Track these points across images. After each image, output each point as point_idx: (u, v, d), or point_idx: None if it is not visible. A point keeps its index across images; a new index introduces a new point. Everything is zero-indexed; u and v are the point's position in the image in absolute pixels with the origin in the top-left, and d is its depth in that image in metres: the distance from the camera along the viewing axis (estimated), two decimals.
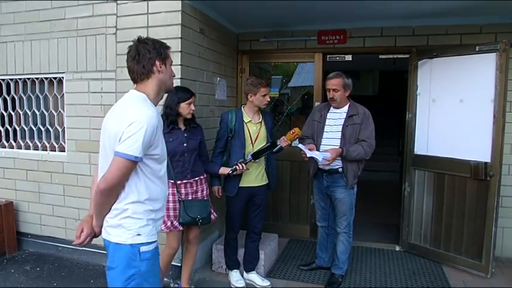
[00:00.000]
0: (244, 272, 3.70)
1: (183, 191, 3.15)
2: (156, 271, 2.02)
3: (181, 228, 3.16)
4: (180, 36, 3.51)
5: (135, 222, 1.91)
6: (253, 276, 3.65)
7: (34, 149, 4.37)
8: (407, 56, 4.42)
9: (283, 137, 3.39)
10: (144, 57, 1.94)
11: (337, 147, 3.46)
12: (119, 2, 3.73)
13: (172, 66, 2.09)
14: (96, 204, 1.92)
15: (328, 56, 4.73)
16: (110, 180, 1.81)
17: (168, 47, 2.05)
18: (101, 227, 1.99)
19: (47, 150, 4.30)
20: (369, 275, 3.89)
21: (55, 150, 4.26)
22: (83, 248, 4.11)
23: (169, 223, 3.10)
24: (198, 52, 3.84)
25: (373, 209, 6.09)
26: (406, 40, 4.35)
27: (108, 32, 3.81)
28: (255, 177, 3.46)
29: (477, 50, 3.76)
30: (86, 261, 4.10)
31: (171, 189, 3.06)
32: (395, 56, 4.72)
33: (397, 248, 4.52)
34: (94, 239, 2.06)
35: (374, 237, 4.89)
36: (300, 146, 3.45)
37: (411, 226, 4.38)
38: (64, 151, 4.18)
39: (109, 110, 2.04)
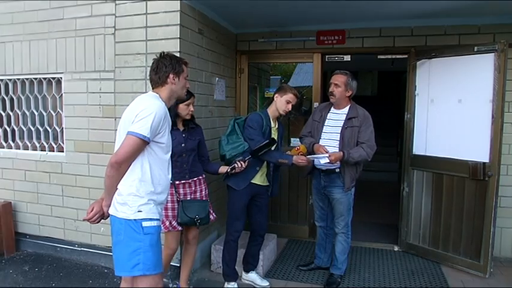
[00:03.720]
0: (243, 272, 3.70)
1: (181, 191, 3.15)
2: (159, 247, 2.29)
3: (180, 229, 3.16)
4: (178, 36, 3.50)
5: (137, 200, 2.20)
6: (253, 276, 3.65)
7: (32, 150, 4.36)
8: (406, 56, 4.42)
9: (288, 152, 3.47)
10: (161, 70, 2.33)
11: (336, 148, 3.46)
12: (117, 2, 3.73)
13: None
14: (106, 177, 2.19)
15: (327, 56, 4.73)
16: (121, 155, 2.12)
17: (185, 63, 2.42)
18: (109, 206, 2.27)
19: (45, 151, 4.29)
20: (367, 275, 3.89)
21: (53, 151, 4.26)
22: (81, 249, 4.11)
23: (167, 223, 3.09)
24: (197, 52, 3.84)
25: (372, 209, 6.10)
26: (404, 40, 4.36)
27: (107, 32, 3.80)
28: (260, 175, 3.45)
29: (475, 50, 3.76)
30: (84, 262, 4.09)
31: (171, 189, 3.06)
32: (393, 57, 4.73)
33: (396, 248, 4.52)
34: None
35: (373, 237, 4.90)
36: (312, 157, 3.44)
37: (410, 226, 4.39)
38: (62, 151, 4.16)
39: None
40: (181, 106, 3.07)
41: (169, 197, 3.07)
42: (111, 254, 3.91)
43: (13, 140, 4.49)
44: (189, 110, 3.11)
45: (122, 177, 2.20)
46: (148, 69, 3.54)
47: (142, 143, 2.14)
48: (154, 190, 2.26)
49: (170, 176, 2.41)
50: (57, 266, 4.03)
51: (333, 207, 3.66)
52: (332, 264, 3.78)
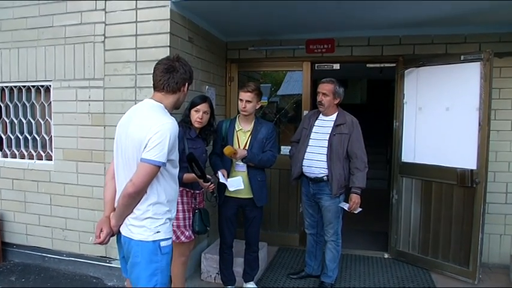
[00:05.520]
0: (243, 282, 3.67)
1: (197, 200, 3.17)
2: (170, 265, 2.24)
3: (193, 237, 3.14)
4: (168, 44, 3.50)
5: (155, 221, 2.12)
6: (250, 287, 3.64)
7: (20, 158, 4.31)
8: (394, 65, 4.48)
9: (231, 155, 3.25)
10: (180, 75, 2.18)
11: (324, 155, 3.49)
12: (107, 10, 3.73)
13: None
14: (122, 205, 2.10)
15: (316, 64, 4.77)
16: (139, 184, 2.01)
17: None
18: (119, 227, 2.17)
19: (33, 159, 4.24)
20: (357, 283, 3.90)
21: (42, 159, 4.21)
22: (70, 258, 4.06)
23: (187, 233, 3.05)
24: (187, 61, 3.83)
25: (362, 216, 6.07)
26: (392, 49, 4.41)
27: (97, 40, 3.79)
28: (242, 188, 3.35)
29: (462, 59, 3.83)
30: (72, 272, 4.03)
31: (190, 198, 3.08)
32: (382, 65, 4.78)
33: (386, 256, 4.54)
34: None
35: (363, 245, 4.91)
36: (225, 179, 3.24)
37: (399, 233, 4.41)
38: (51, 160, 4.13)
39: (124, 117, 2.22)
40: (192, 111, 3.05)
41: (188, 206, 3.07)
42: (100, 263, 3.93)
43: (1, 148, 4.44)
44: (197, 116, 3.04)
45: (138, 203, 2.11)
46: (138, 77, 3.61)
47: (159, 169, 2.05)
48: (169, 208, 2.19)
49: (178, 187, 2.32)
50: (44, 276, 3.97)
51: (322, 214, 3.66)
52: (322, 272, 3.77)
